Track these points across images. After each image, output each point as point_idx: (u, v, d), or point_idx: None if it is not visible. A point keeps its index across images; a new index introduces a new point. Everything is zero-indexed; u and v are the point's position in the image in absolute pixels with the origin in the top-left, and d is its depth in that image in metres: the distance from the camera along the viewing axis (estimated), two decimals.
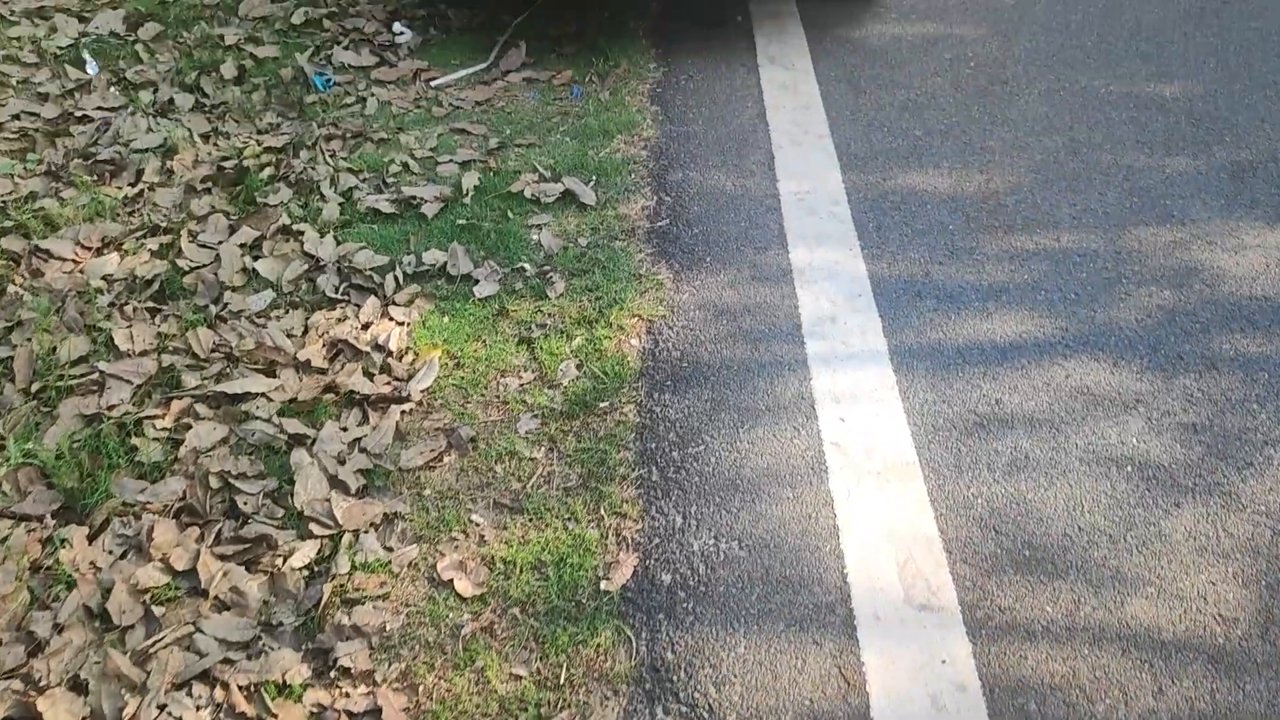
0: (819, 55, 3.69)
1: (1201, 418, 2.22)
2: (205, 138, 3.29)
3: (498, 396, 2.32)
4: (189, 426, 2.21)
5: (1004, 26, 3.90)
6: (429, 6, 3.99)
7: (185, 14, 3.91)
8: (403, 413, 2.28)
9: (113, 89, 3.53)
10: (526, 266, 2.69)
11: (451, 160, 3.13)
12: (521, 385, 2.35)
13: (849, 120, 3.31)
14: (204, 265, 2.69)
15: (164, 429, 2.22)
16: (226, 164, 3.09)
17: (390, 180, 3.04)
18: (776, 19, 3.94)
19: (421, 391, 2.33)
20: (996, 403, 2.26)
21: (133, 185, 3.05)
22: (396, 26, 3.82)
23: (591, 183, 3.01)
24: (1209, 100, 3.40)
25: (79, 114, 3.38)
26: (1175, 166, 3.07)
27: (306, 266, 2.67)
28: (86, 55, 3.63)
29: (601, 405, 2.27)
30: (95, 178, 3.07)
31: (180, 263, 2.69)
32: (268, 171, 3.06)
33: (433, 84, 3.56)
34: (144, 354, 2.41)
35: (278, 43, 3.75)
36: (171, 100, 3.45)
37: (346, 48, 3.71)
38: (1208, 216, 2.86)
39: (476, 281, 2.65)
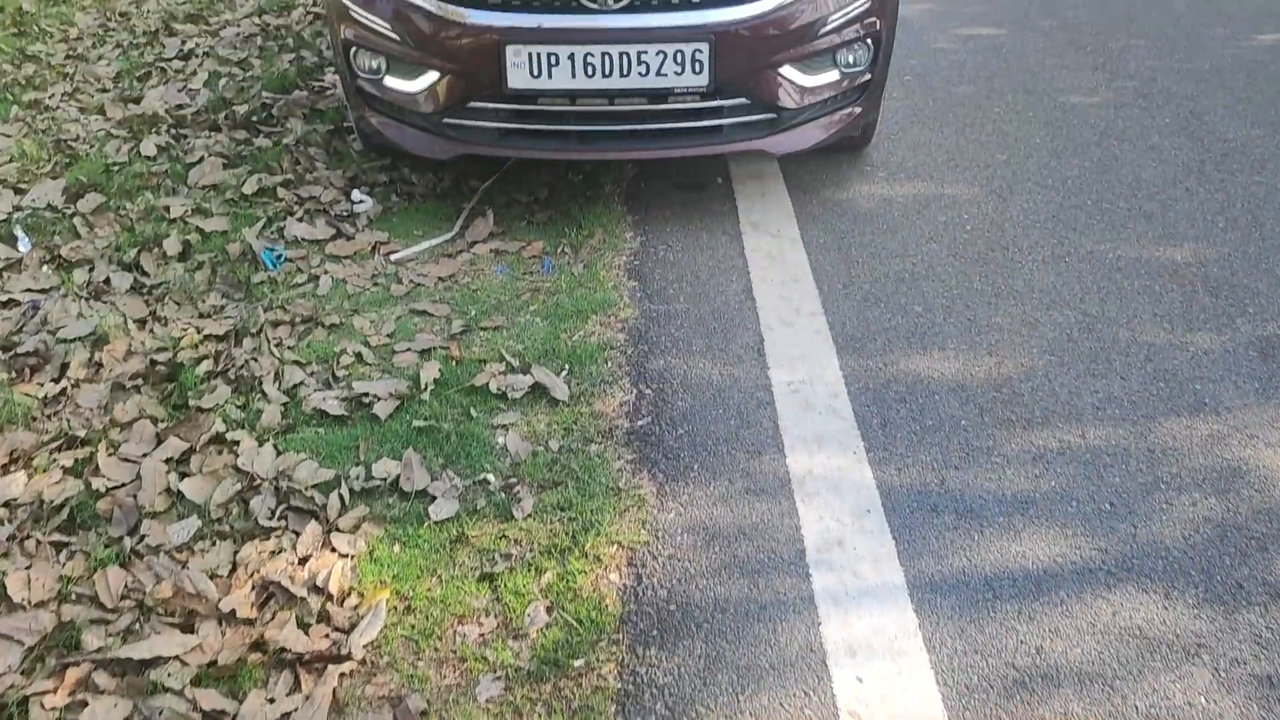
0: (805, 220, 3.47)
1: (1277, 667, 1.90)
2: (141, 323, 3.00)
3: (454, 651, 1.98)
4: (84, 704, 1.86)
5: (997, 185, 3.71)
6: (391, 171, 3.77)
7: (130, 183, 3.67)
8: (342, 675, 1.93)
9: (45, 268, 3.26)
10: (490, 478, 2.38)
11: (410, 348, 2.84)
12: (482, 635, 2.01)
13: (842, 295, 3.06)
14: (123, 485, 2.37)
15: (54, 708, 1.85)
16: (160, 357, 2.79)
17: (341, 374, 2.74)
18: (759, 180, 3.73)
19: (365, 646, 1.99)
20: (1037, 651, 1.94)
21: (55, 381, 2.75)
22: (355, 195, 3.58)
23: (564, 373, 2.72)
24: (1224, 265, 3.18)
25: (5, 298, 3.09)
26: (1199, 344, 2.82)
27: (240, 486, 2.35)
28: (19, 231, 3.37)
29: (576, 664, 1.93)
30: (13, 374, 2.76)
31: (96, 482, 2.36)
32: (205, 366, 2.76)
33: (392, 258, 3.30)
34: (41, 605, 2.06)
35: (228, 213, 3.50)
36: (108, 280, 3.18)
37: (301, 219, 3.46)
38: (1243, 404, 2.59)
39: (433, 499, 2.33)
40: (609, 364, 2.76)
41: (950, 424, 2.53)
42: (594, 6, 3.04)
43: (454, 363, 2.78)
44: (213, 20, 5.29)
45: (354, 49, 3.35)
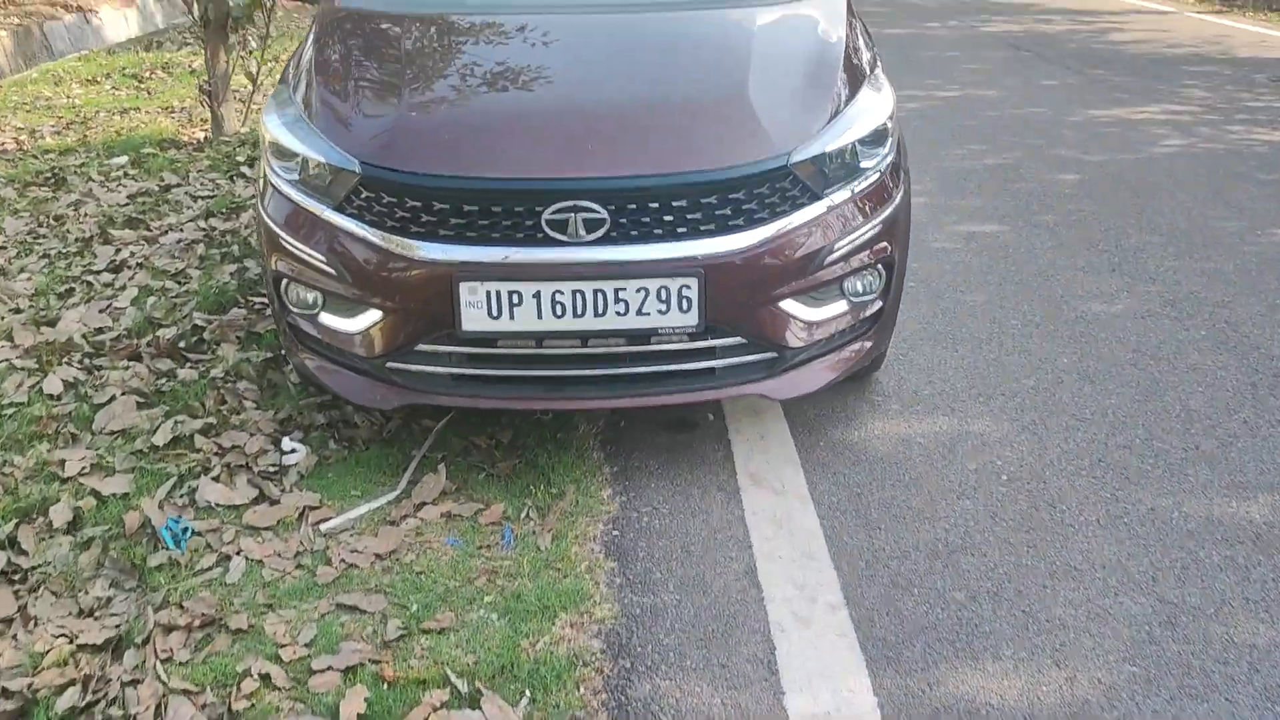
0: (813, 470, 2.97)
1: None
2: (6, 625, 2.42)
3: None
4: None
5: (1029, 418, 3.23)
6: (331, 409, 3.26)
7: (24, 431, 3.14)
8: None
9: None
10: None
11: (332, 666, 2.27)
12: None
13: (866, 577, 2.52)
14: None
15: None
16: (15, 685, 2.21)
17: (240, 706, 2.16)
18: (755, 416, 3.24)
19: None
20: None
21: None
22: (286, 444, 3.06)
23: (524, 701, 2.15)
24: None
25: None
26: None
27: None
28: None
29: None
30: None
31: None
32: (69, 698, 2.18)
33: (323, 528, 2.75)
34: None
35: (133, 469, 2.97)
36: None
37: (218, 478, 2.92)
38: None
39: None
40: (582, 689, 2.19)
41: None
42: (563, 238, 2.60)
43: (385, 685, 2.20)
44: (155, 224, 4.89)
45: (285, 282, 2.89)
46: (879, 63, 3.23)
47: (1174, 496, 2.83)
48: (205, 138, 6.43)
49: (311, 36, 3.26)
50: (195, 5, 5.98)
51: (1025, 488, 2.88)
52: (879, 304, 2.96)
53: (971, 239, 4.84)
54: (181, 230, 4.82)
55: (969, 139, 6.68)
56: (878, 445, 3.09)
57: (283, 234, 2.82)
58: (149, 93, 7.95)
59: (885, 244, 2.86)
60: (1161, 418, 3.23)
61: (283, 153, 2.85)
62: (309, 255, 2.76)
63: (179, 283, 4.25)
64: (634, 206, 2.58)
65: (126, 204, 5.18)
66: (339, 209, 2.72)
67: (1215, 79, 8.64)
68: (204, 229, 4.83)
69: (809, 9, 3.38)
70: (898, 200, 2.91)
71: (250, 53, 6.44)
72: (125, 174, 5.68)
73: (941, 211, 5.22)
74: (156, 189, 5.43)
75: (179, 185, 5.49)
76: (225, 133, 6.27)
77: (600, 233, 2.59)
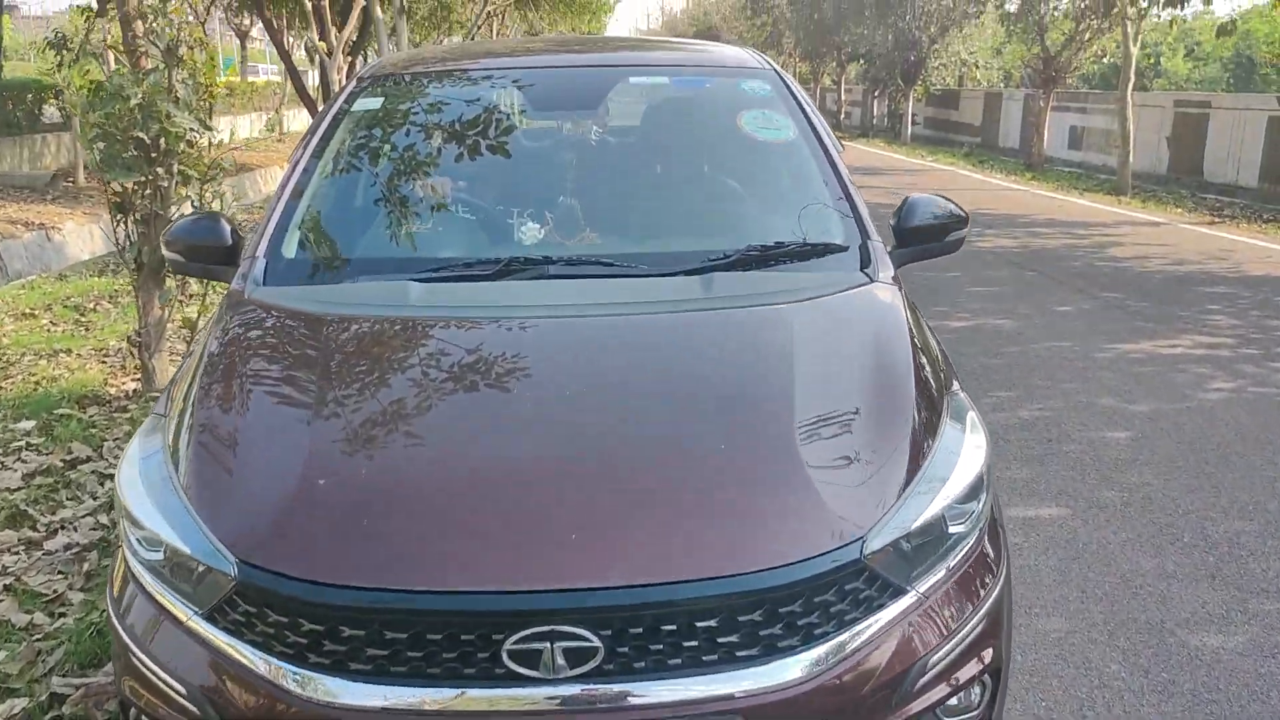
0: None
1: None
2: None
3: None
4: None
5: None
6: None
7: None
8: None
9: None
10: None
11: None
12: None
13: None
14: None
15: None
16: None
17: None
18: None
19: None
20: None
21: None
22: None
23: None
24: None
25: None
26: None
27: None
28: None
29: None
30: None
31: None
32: None
33: None
34: None
35: None
36: None
37: None
38: None
39: None
40: None
41: None
42: (534, 674, 1.74)
43: None
44: (45, 520, 4.02)
45: (134, 711, 2.00)
46: (955, 373, 2.47)
47: None
48: (135, 390, 5.65)
49: (205, 344, 2.45)
50: (127, 249, 5.30)
51: None
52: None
53: (1030, 529, 4.03)
54: (75, 529, 3.95)
55: (995, 383, 5.98)
56: None
57: (133, 642, 1.96)
58: (87, 329, 7.24)
59: (990, 646, 2.02)
60: None
61: (140, 525, 2.02)
62: (164, 680, 1.89)
63: (52, 614, 3.35)
64: (640, 630, 1.74)
65: (19, 489, 4.32)
66: (210, 618, 1.87)
67: (1237, 302, 8.13)
68: (103, 527, 3.97)
69: (854, 296, 2.61)
70: (1002, 577, 2.10)
71: (190, 297, 5.74)
72: (28, 445, 4.84)
73: None
74: (60, 465, 4.59)
75: (88, 460, 4.65)
76: (156, 387, 5.49)
77: (590, 665, 1.74)
